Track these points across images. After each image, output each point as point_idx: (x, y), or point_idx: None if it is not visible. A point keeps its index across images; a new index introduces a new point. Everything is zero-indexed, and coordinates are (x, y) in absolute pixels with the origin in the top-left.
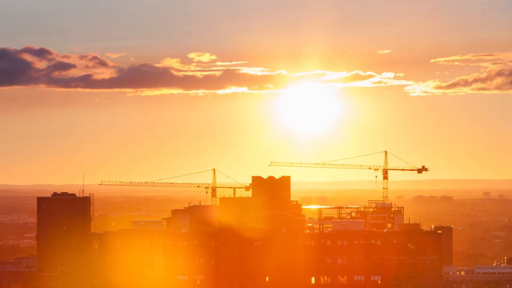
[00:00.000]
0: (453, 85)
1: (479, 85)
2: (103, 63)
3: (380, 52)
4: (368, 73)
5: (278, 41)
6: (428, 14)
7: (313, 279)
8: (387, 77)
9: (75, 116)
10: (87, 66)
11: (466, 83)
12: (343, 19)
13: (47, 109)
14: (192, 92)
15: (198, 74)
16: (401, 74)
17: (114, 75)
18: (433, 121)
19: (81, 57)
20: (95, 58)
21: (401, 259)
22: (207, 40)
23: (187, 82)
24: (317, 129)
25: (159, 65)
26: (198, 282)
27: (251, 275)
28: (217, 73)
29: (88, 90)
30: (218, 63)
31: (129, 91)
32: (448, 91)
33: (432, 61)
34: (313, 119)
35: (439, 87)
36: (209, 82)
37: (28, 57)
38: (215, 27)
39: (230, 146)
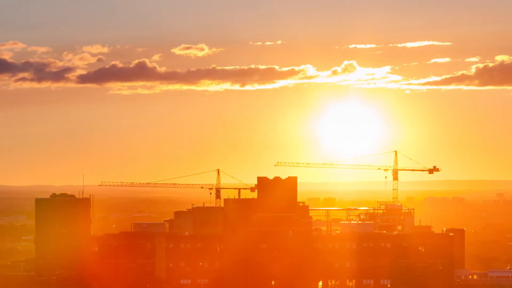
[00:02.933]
0: (465, 82)
1: (490, 82)
2: (90, 58)
3: (391, 45)
4: (378, 68)
5: (281, 36)
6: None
7: (320, 283)
8: (394, 74)
9: (75, 114)
10: (76, 62)
11: (476, 80)
12: (343, 13)
13: (45, 107)
14: (193, 89)
15: (197, 69)
16: (409, 69)
17: (107, 70)
18: (445, 120)
19: (70, 53)
20: (83, 52)
21: (412, 262)
22: (204, 34)
23: (184, 78)
24: (324, 128)
25: (155, 59)
26: (202, 286)
27: (256, 279)
28: (220, 70)
29: (83, 85)
30: (219, 59)
31: (126, 88)
32: (459, 87)
33: (444, 57)
34: (320, 118)
35: (451, 84)
36: (210, 78)
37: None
38: (210, 21)
39: (235, 145)
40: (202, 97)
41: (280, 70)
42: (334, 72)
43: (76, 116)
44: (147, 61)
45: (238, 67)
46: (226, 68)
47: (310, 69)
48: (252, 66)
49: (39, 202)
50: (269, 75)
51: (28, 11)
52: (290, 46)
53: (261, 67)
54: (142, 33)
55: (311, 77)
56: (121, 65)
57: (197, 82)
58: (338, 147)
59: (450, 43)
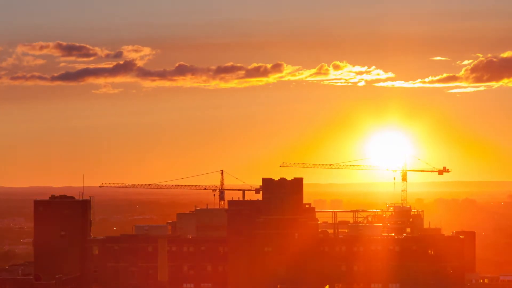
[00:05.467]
0: (474, 80)
1: (499, 80)
2: (89, 54)
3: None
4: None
5: (286, 32)
6: None
7: (327, 287)
8: (401, 72)
9: (75, 112)
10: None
11: (486, 79)
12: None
13: (44, 106)
14: (197, 86)
15: (206, 67)
16: (414, 67)
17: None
18: (455, 119)
19: (73, 49)
20: (82, 48)
21: (421, 266)
22: (201, 31)
23: (188, 75)
24: (331, 127)
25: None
26: None
27: (261, 283)
28: (221, 68)
29: (81, 83)
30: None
31: (125, 86)
32: (468, 86)
33: (452, 56)
34: (323, 117)
35: (459, 82)
36: (211, 76)
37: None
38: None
39: (239, 145)
40: (205, 95)
41: (286, 67)
42: (335, 69)
43: (76, 115)
44: (143, 58)
45: (239, 65)
46: (227, 65)
47: (314, 67)
48: (255, 64)
49: (37, 203)
50: (272, 72)
51: (24, 7)
52: (299, 41)
53: (264, 64)
54: (133, 31)
55: (312, 75)
56: (119, 63)
57: (200, 80)
58: (345, 148)
59: (455, 38)
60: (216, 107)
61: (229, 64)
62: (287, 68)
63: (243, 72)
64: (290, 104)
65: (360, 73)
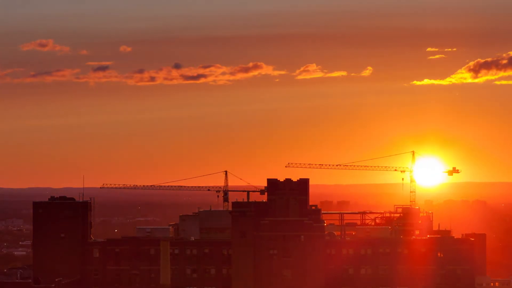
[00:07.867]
0: (487, 75)
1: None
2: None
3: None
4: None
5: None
6: None
7: None
8: (400, 70)
9: (75, 111)
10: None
11: (499, 73)
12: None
13: (43, 105)
14: (199, 84)
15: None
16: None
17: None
18: (466, 118)
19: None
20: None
21: (430, 269)
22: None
23: (190, 74)
24: (337, 127)
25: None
26: None
27: (266, 286)
28: (222, 66)
29: (80, 81)
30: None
31: (126, 83)
32: (481, 82)
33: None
34: (334, 116)
35: (470, 79)
36: (213, 74)
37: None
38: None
39: (244, 145)
40: (208, 94)
41: (285, 66)
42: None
43: (75, 113)
44: (142, 56)
45: (241, 65)
46: (228, 64)
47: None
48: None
49: (36, 205)
50: (275, 72)
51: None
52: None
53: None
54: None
55: (313, 73)
56: (116, 60)
57: (203, 78)
58: (353, 148)
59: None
60: (218, 106)
61: (231, 62)
62: (287, 67)
63: (245, 70)
64: (294, 103)
65: (356, 70)
